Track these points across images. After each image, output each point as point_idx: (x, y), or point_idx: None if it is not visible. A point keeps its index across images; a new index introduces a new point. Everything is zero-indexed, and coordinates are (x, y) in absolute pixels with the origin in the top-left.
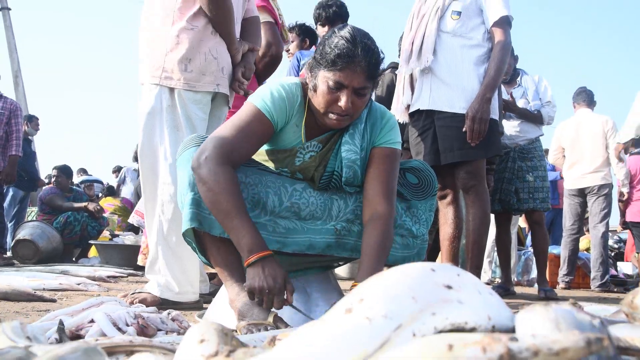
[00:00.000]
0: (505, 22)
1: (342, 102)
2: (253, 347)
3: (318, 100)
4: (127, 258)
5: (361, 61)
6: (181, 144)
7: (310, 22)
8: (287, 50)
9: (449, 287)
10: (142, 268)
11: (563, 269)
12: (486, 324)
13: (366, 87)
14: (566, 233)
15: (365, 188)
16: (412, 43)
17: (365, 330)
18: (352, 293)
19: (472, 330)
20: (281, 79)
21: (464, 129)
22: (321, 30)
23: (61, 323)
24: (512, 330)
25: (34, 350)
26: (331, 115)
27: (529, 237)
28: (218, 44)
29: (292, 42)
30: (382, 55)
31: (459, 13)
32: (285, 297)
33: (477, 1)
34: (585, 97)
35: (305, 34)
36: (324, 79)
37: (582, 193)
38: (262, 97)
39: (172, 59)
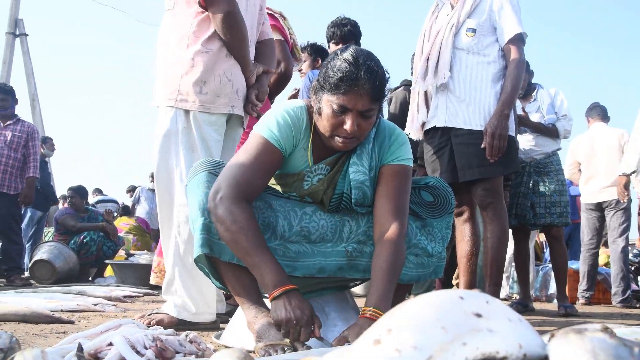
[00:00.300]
0: (519, 40)
1: (347, 125)
2: None
3: (323, 124)
4: (143, 277)
5: (365, 84)
6: (191, 169)
7: (321, 42)
8: (300, 70)
9: (479, 315)
10: (156, 287)
11: (583, 285)
12: (517, 352)
13: (371, 109)
14: (585, 248)
15: (374, 207)
16: (428, 60)
17: None
18: (380, 323)
19: (504, 359)
20: (285, 104)
21: (482, 146)
22: (334, 49)
23: (80, 348)
24: (544, 359)
25: None
26: (337, 139)
27: (547, 252)
28: (232, 66)
29: (304, 61)
30: (387, 75)
31: (474, 30)
32: (312, 329)
33: (490, 19)
34: (599, 112)
35: (317, 53)
36: (328, 102)
37: (599, 207)
38: (268, 127)
39: (187, 82)
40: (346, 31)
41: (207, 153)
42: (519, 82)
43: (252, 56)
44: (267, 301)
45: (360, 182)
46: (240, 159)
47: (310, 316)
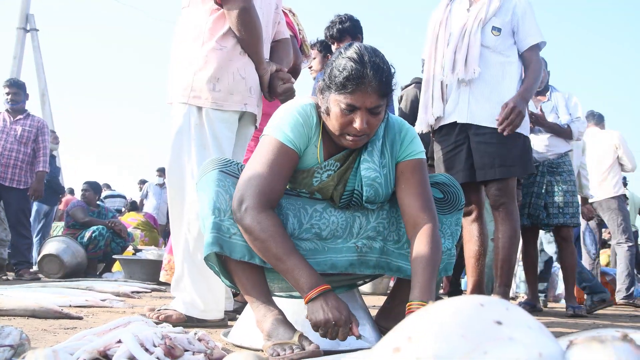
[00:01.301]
0: (538, 48)
1: (357, 123)
2: None
3: (332, 123)
4: (150, 273)
5: (372, 81)
6: (201, 167)
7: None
8: (310, 67)
9: (499, 323)
10: (164, 283)
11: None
12: None
13: (380, 106)
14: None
15: (401, 204)
16: (455, 53)
17: None
18: (399, 329)
19: None
20: (293, 102)
21: (497, 118)
22: (334, 48)
23: None
24: None
25: None
26: (347, 137)
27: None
28: (246, 64)
29: (314, 58)
30: (392, 69)
31: (499, 30)
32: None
33: (512, 21)
34: (592, 119)
35: (327, 50)
36: (336, 102)
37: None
38: (280, 129)
39: (200, 79)
40: (335, 31)
41: (219, 150)
42: (538, 81)
43: (267, 55)
44: (295, 302)
45: (372, 179)
46: (258, 165)
47: (347, 315)
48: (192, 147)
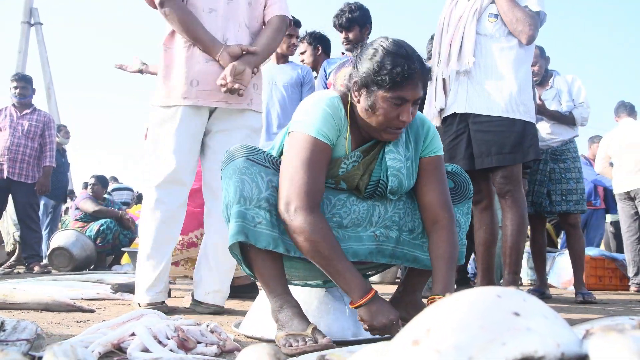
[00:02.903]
0: (537, 16)
1: (404, 116)
2: None
3: (377, 120)
4: None
5: (420, 75)
6: (227, 153)
7: (320, 27)
8: (302, 61)
9: (517, 314)
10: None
11: (630, 272)
12: (555, 351)
13: (421, 97)
14: (625, 237)
15: (422, 200)
16: (450, 45)
17: None
18: (417, 322)
19: (541, 359)
20: (320, 96)
21: None
22: (341, 36)
23: None
24: (582, 358)
25: None
26: (389, 130)
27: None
28: (190, 57)
29: (305, 52)
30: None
31: (497, 15)
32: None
33: None
34: (624, 109)
35: (317, 42)
36: (384, 98)
37: (630, 196)
38: (311, 124)
39: (158, 80)
40: (344, 20)
41: (168, 148)
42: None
43: (244, 38)
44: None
45: (397, 169)
46: (297, 164)
47: (398, 314)
48: (150, 146)
